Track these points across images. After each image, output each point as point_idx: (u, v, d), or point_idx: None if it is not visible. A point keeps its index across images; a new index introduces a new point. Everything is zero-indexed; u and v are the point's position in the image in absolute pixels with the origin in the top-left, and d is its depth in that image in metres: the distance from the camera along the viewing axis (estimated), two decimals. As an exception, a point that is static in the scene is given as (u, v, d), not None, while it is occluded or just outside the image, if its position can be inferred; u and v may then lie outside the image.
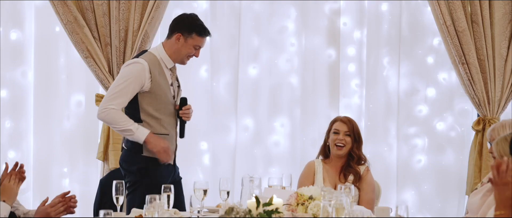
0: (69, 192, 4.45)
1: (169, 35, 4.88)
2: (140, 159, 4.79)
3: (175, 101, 4.92)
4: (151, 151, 4.75)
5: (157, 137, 4.75)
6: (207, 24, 6.17)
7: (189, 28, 4.85)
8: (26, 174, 5.26)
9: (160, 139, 4.77)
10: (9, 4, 6.01)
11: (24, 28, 6.08)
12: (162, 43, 4.90)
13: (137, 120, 4.79)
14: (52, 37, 6.13)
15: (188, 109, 4.91)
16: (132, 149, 4.82)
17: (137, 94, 4.78)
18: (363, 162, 5.00)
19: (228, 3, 6.24)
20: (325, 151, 5.07)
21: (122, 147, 4.96)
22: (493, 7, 6.05)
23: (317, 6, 6.30)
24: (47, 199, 4.42)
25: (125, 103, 4.76)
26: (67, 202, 4.42)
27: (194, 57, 4.91)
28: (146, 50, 4.96)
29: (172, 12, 6.16)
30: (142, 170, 4.79)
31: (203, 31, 4.88)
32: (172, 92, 4.89)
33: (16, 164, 4.22)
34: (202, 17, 6.19)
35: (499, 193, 3.32)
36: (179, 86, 4.99)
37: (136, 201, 4.53)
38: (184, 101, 4.92)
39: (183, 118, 4.90)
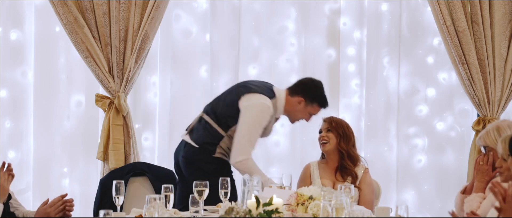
0: (66, 194, 4.46)
1: (293, 93, 5.03)
2: (214, 159, 4.98)
3: None
4: None
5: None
6: (207, 24, 6.20)
7: (314, 97, 5.03)
8: (26, 174, 5.27)
9: None
10: (9, 4, 6.01)
11: (24, 28, 6.08)
12: (286, 93, 5.04)
13: (211, 144, 4.97)
14: (52, 37, 6.13)
15: None
16: (206, 149, 4.98)
17: (230, 124, 4.96)
18: (357, 162, 5.03)
19: (228, 3, 6.24)
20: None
21: (188, 143, 5.05)
22: (493, 7, 6.04)
23: (317, 6, 6.30)
24: (48, 200, 4.43)
25: (256, 144, 4.96)
26: (64, 204, 4.42)
27: (304, 120, 5.12)
28: (273, 89, 5.05)
29: (172, 12, 6.17)
30: (218, 169, 4.92)
31: (325, 103, 5.06)
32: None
33: (4, 163, 4.23)
34: (202, 17, 6.24)
35: (504, 213, 3.30)
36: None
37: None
38: None
39: None
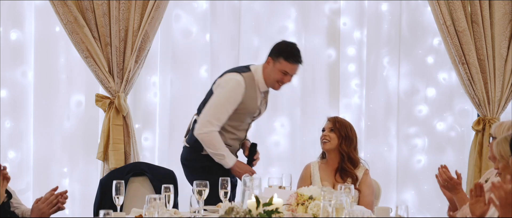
0: (57, 188, 4.47)
1: (266, 59, 5.01)
2: (202, 157, 4.97)
3: (252, 121, 5.14)
4: (235, 176, 4.99)
5: (243, 165, 4.98)
6: (207, 24, 6.20)
7: (278, 52, 4.93)
8: (26, 174, 5.22)
9: (245, 167, 4.99)
10: (9, 4, 6.01)
11: (24, 28, 6.08)
12: (262, 64, 5.01)
13: (198, 141, 4.97)
14: (52, 37, 6.13)
15: (258, 160, 5.15)
16: (195, 147, 4.99)
17: None
18: (356, 164, 5.03)
19: (228, 3, 6.24)
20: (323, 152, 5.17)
21: (185, 146, 5.11)
22: (493, 7, 6.04)
23: (317, 6, 6.30)
24: (41, 198, 4.42)
25: (224, 122, 4.92)
26: (57, 198, 4.42)
27: (286, 83, 5.01)
28: (249, 66, 5.05)
29: (172, 12, 6.17)
30: (205, 167, 4.94)
31: (290, 57, 4.91)
32: (255, 115, 5.08)
33: None
34: (202, 17, 6.23)
35: (504, 214, 3.29)
36: (260, 113, 5.15)
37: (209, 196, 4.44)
38: (254, 148, 5.13)
39: (253, 164, 5.16)
